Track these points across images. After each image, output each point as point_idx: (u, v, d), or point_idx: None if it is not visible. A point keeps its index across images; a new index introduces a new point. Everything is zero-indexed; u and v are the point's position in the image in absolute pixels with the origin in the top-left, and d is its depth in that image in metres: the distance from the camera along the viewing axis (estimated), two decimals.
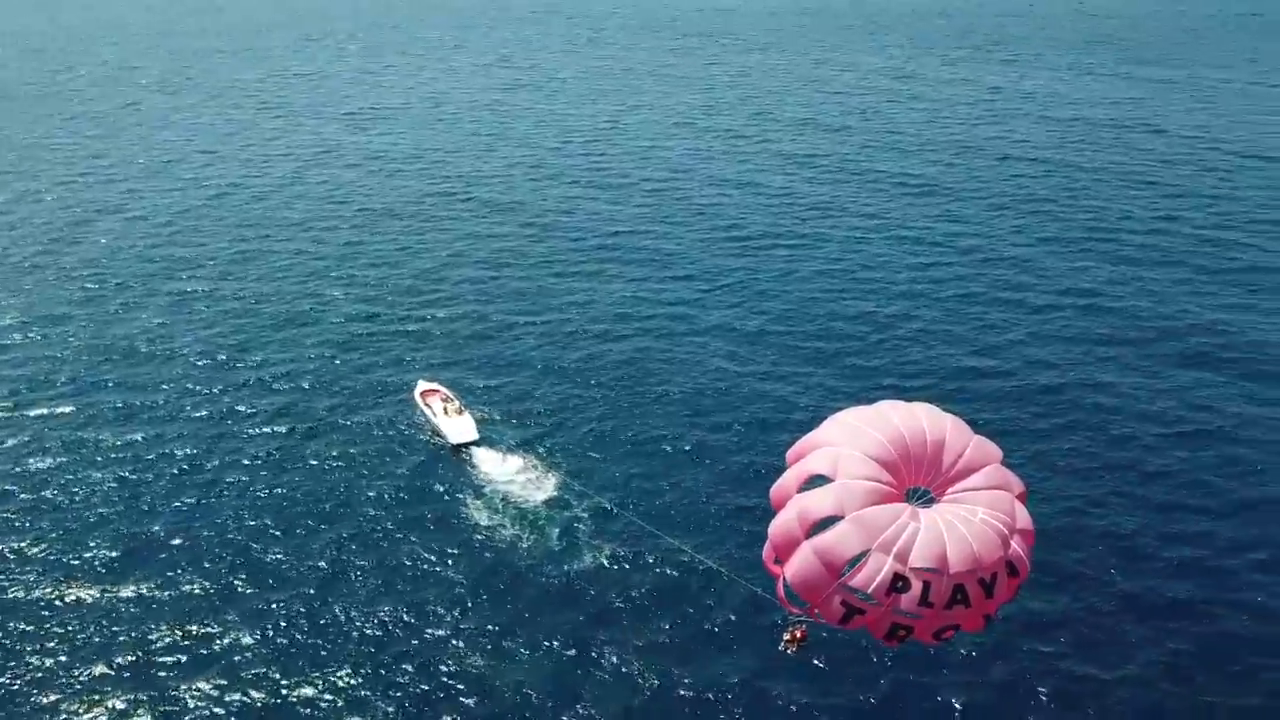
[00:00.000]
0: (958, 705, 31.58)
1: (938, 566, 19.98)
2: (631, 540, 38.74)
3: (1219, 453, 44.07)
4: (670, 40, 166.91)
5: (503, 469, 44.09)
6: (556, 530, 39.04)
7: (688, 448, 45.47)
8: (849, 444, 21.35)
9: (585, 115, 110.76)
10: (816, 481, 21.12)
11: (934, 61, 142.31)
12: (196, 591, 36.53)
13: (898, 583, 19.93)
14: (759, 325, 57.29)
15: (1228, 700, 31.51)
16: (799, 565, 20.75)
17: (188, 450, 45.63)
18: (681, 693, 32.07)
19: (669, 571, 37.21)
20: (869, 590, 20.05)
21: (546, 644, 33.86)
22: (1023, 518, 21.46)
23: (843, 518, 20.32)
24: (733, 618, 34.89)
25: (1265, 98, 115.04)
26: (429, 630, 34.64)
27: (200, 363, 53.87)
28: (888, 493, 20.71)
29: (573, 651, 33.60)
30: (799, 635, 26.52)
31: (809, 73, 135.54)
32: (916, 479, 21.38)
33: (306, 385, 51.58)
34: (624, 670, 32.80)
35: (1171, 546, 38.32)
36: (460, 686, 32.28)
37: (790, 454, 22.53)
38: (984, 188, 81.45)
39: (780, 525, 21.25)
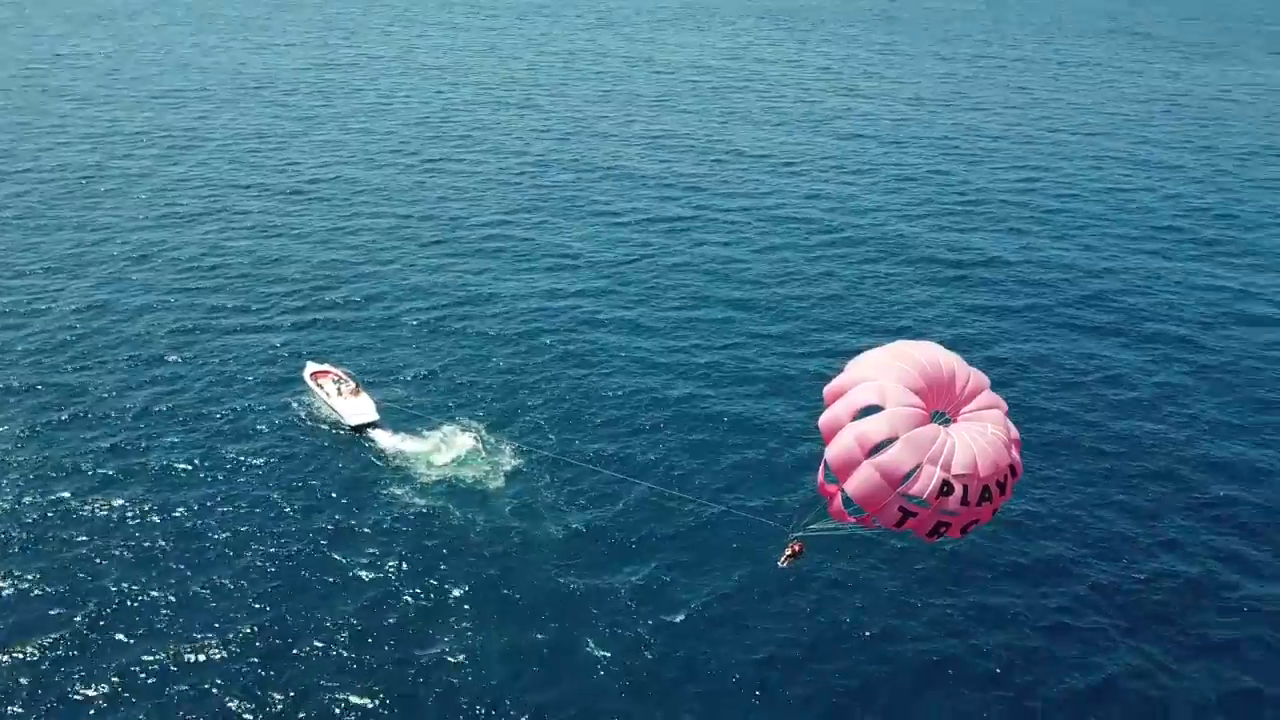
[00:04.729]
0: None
1: (971, 472, 24.29)
2: (587, 489, 40.65)
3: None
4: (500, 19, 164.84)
5: (417, 447, 43.71)
6: (506, 503, 39.89)
7: (606, 393, 48.02)
8: (885, 378, 25.19)
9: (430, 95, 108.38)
10: (866, 411, 24.81)
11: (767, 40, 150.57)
12: (146, 608, 34.78)
13: (945, 487, 24.05)
14: (646, 292, 60.52)
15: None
16: (861, 481, 24.34)
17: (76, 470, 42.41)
18: (689, 621, 34.64)
19: (641, 512, 39.41)
20: (924, 496, 24.04)
21: (541, 612, 34.84)
22: (1013, 430, 26.29)
23: (896, 439, 24.18)
24: (721, 543, 38.08)
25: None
26: (406, 626, 34.45)
27: (55, 378, 49.57)
28: (924, 416, 24.79)
29: (567, 614, 34.81)
30: (797, 549, 30.20)
31: (644, 51, 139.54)
32: (938, 403, 25.60)
33: (181, 384, 48.93)
34: (620, 613, 34.83)
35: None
36: (461, 668, 33.25)
37: (828, 392, 26.00)
38: (834, 162, 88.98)
39: (839, 450, 24.70)
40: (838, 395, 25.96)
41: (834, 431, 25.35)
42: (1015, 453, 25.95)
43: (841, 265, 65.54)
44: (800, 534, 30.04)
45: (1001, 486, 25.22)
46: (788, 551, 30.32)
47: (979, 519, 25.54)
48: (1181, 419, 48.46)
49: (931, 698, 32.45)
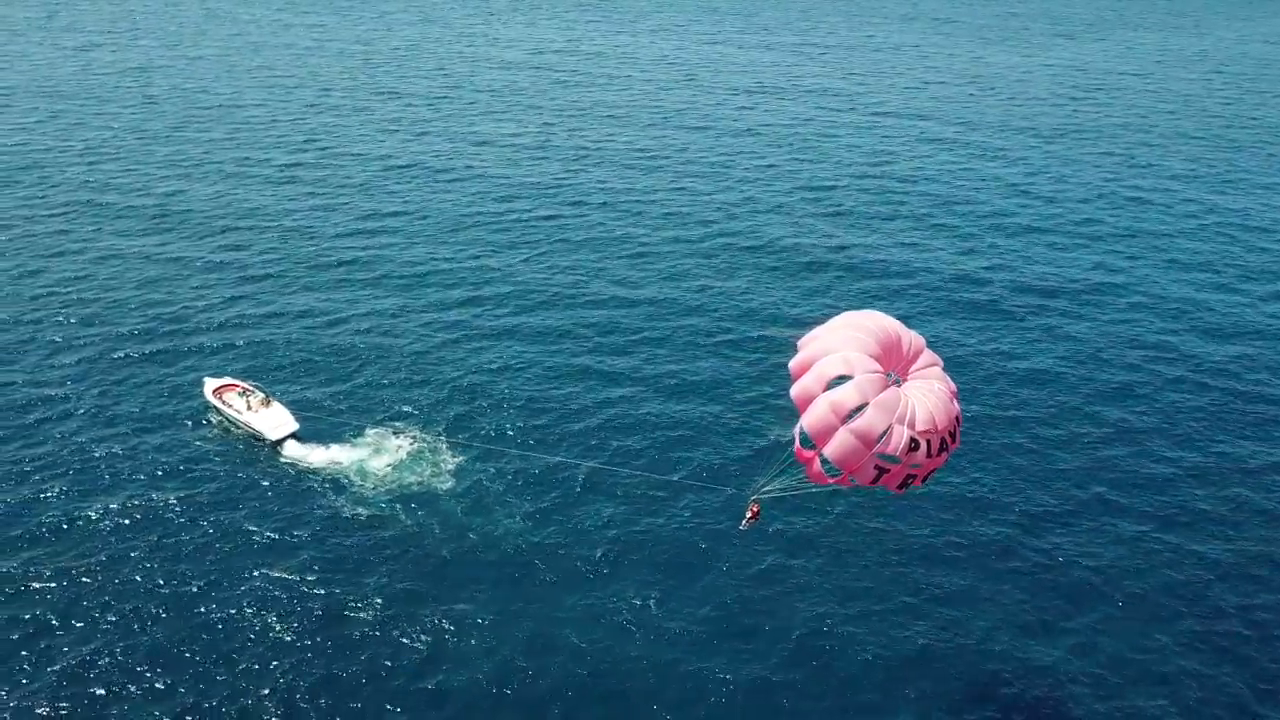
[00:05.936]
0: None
1: (931, 427, 27.34)
2: (539, 482, 41.62)
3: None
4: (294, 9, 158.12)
5: (350, 455, 43.18)
6: (457, 503, 40.17)
7: (539, 391, 49.04)
8: (847, 349, 27.86)
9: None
10: (836, 382, 27.40)
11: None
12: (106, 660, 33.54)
13: (913, 444, 26.97)
14: (552, 293, 61.42)
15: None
16: (839, 445, 26.93)
17: None
18: (665, 609, 36.13)
19: (599, 498, 40.61)
20: (896, 453, 26.88)
21: (514, 609, 35.54)
22: (951, 383, 29.58)
23: (867, 405, 26.88)
24: (679, 522, 39.97)
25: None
26: (396, 639, 34.67)
27: None
28: (885, 380, 27.62)
29: (542, 609, 35.71)
30: (756, 511, 32.67)
31: (480, 48, 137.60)
32: (890, 365, 28.53)
33: (82, 408, 46.50)
34: (596, 605, 35.97)
35: None
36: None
37: (794, 367, 28.47)
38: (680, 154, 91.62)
39: (816, 419, 27.20)
40: (804, 369, 28.45)
41: (808, 402, 27.82)
42: (956, 404, 29.17)
43: (733, 256, 68.39)
44: (757, 496, 32.62)
45: (954, 436, 28.41)
46: (748, 514, 32.86)
47: (937, 466, 28.71)
48: (1073, 382, 53.23)
49: (916, 675, 34.75)
